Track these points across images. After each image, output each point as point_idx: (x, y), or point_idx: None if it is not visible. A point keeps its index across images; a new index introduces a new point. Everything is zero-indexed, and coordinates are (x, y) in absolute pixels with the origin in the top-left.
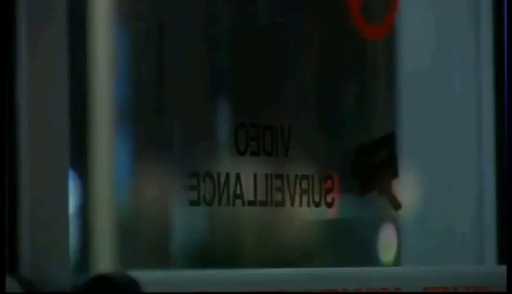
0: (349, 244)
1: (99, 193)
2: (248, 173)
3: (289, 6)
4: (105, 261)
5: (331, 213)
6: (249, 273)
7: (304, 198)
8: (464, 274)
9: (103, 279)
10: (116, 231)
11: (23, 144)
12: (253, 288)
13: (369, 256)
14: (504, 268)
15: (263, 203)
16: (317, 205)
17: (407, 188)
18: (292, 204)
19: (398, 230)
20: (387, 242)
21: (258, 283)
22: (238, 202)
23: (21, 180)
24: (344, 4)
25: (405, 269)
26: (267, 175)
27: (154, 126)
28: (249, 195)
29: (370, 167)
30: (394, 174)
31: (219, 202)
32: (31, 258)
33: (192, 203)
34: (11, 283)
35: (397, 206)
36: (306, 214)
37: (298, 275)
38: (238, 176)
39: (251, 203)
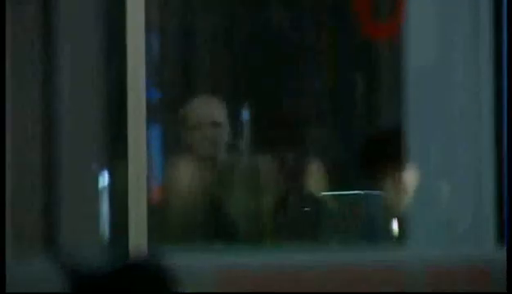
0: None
1: (135, 179)
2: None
3: (300, 12)
4: (139, 237)
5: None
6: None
7: None
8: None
9: (137, 267)
10: (149, 212)
11: (64, 137)
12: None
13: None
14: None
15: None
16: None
17: (413, 178)
18: None
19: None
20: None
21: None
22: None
23: (61, 169)
24: (352, 6)
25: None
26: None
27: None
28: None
29: (377, 160)
30: (400, 167)
31: None
32: (68, 239)
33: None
34: (49, 262)
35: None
36: None
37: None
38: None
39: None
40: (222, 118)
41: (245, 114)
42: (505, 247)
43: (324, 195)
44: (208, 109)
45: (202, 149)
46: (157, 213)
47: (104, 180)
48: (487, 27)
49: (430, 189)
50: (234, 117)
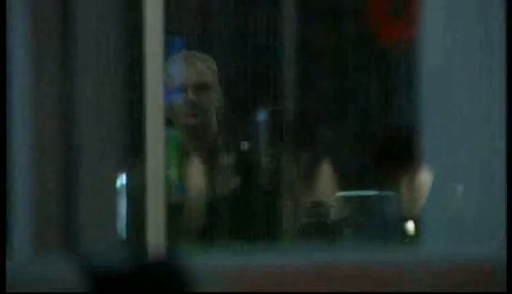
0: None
1: (153, 179)
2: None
3: (313, 12)
4: (157, 235)
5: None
6: None
7: None
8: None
9: (155, 266)
10: (167, 212)
11: (83, 137)
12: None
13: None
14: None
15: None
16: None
17: (426, 179)
18: None
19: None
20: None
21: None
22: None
23: (82, 170)
24: (366, 8)
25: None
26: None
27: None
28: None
29: (390, 161)
30: (413, 168)
31: None
32: (86, 239)
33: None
34: (68, 262)
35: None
36: None
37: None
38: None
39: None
40: (211, 78)
41: (260, 115)
42: (506, 247)
43: (338, 195)
44: (192, 67)
45: (186, 117)
46: (175, 212)
47: (122, 179)
48: (500, 28)
49: (443, 190)
50: (249, 117)
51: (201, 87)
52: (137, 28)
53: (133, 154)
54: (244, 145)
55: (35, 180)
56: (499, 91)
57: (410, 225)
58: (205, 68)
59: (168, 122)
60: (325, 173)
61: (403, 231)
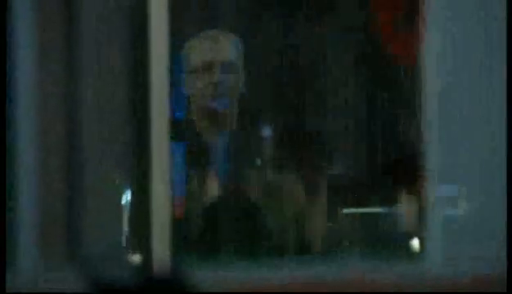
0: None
1: (158, 192)
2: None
3: (324, 29)
4: (162, 249)
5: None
6: None
7: None
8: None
9: (160, 281)
10: (171, 224)
11: (89, 150)
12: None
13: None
14: None
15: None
16: None
17: (431, 196)
18: None
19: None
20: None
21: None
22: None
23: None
24: (376, 25)
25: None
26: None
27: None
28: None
29: (397, 178)
30: (419, 185)
31: None
32: (92, 252)
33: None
34: (73, 275)
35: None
36: None
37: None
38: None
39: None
40: (235, 57)
41: (268, 131)
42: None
43: (344, 211)
44: (216, 46)
45: (208, 99)
46: (180, 226)
47: (127, 193)
48: (502, 46)
49: (448, 208)
50: (257, 132)
51: (227, 68)
52: (143, 29)
53: (139, 167)
54: (251, 160)
55: (40, 180)
56: (504, 110)
57: (414, 242)
58: (233, 47)
59: (188, 105)
60: (330, 190)
61: (407, 248)
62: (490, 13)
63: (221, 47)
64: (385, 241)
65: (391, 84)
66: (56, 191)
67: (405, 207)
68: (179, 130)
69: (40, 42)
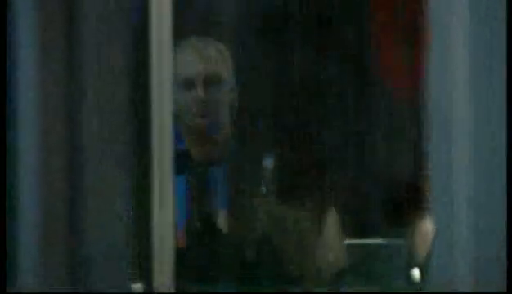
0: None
1: (160, 223)
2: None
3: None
4: (164, 274)
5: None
6: None
7: None
8: None
9: None
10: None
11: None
12: None
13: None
14: None
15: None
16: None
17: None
18: None
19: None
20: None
21: None
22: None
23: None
24: (375, 55)
25: None
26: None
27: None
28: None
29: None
30: (422, 216)
31: None
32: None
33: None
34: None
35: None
36: None
37: None
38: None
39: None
40: (225, 69)
41: (268, 160)
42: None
43: (346, 243)
44: (202, 56)
45: (192, 117)
46: (182, 257)
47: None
48: (502, 46)
49: (452, 238)
50: (255, 163)
51: (213, 81)
52: (145, 28)
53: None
54: (253, 189)
55: (42, 180)
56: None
57: (416, 273)
58: (219, 57)
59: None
60: (332, 221)
61: (410, 279)
62: (490, 13)
63: (204, 58)
64: (390, 274)
65: (391, 114)
66: (58, 191)
67: (407, 238)
68: (177, 161)
69: (41, 42)
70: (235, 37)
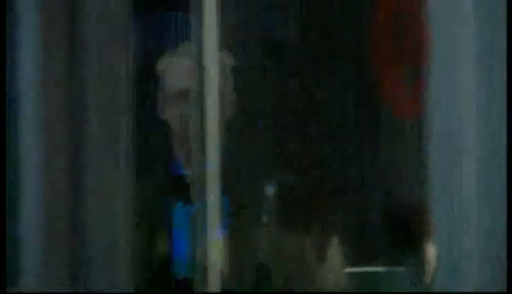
0: None
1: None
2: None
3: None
4: None
5: None
6: None
7: None
8: None
9: None
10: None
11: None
12: None
13: None
14: None
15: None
16: None
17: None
18: None
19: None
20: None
21: None
22: None
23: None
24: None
25: None
26: None
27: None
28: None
29: (401, 236)
30: (424, 243)
31: None
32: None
33: None
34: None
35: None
36: None
37: None
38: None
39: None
40: (195, 84)
41: (269, 189)
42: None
43: (347, 271)
44: (180, 69)
45: (178, 132)
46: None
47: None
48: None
49: (452, 238)
50: (259, 191)
51: (184, 96)
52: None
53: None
54: (255, 218)
55: (44, 180)
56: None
57: None
58: (190, 72)
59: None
60: (333, 249)
61: None
62: (490, 13)
63: (184, 70)
64: None
65: (393, 141)
66: (60, 191)
67: (411, 268)
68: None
69: (43, 42)
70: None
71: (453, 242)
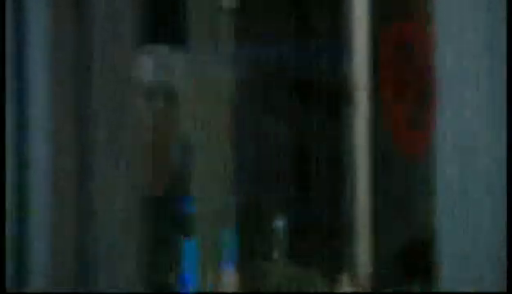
0: None
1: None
2: None
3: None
4: None
5: None
6: None
7: None
8: None
9: None
10: None
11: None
12: None
13: None
14: None
15: None
16: None
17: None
18: None
19: None
20: None
21: None
22: None
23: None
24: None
25: None
26: None
27: None
28: None
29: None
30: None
31: None
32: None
33: None
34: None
35: None
36: None
37: None
38: None
39: None
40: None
41: (279, 224)
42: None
43: None
44: (156, 67)
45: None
46: None
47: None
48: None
49: (452, 238)
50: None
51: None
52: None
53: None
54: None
55: (53, 182)
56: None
57: None
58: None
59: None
60: (341, 284)
61: None
62: (490, 13)
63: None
64: None
65: (401, 176)
66: (68, 181)
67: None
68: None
69: (52, 42)
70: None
71: (453, 242)
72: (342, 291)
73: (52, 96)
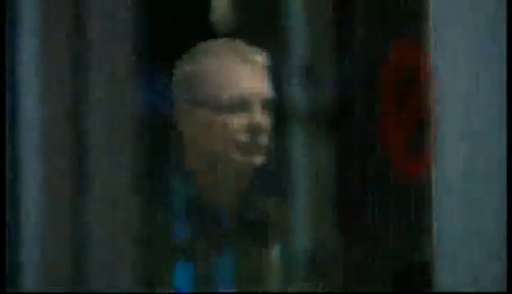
0: None
1: None
2: None
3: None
4: None
5: None
6: None
7: None
8: None
9: None
10: None
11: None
12: None
13: None
14: None
15: None
16: None
17: None
18: None
19: None
20: None
21: None
22: None
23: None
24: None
25: None
26: None
27: None
28: None
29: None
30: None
31: None
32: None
33: None
34: None
35: None
36: None
37: None
38: None
39: None
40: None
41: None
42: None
43: None
44: (254, 69)
45: (245, 151)
46: None
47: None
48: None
49: (452, 238)
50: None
51: (266, 106)
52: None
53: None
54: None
55: (46, 182)
56: None
57: None
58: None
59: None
60: None
61: None
62: (490, 13)
63: (258, 73)
64: None
65: (401, 200)
66: (62, 193)
67: None
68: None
69: (45, 40)
70: None
71: (453, 242)
72: None
73: (46, 94)
